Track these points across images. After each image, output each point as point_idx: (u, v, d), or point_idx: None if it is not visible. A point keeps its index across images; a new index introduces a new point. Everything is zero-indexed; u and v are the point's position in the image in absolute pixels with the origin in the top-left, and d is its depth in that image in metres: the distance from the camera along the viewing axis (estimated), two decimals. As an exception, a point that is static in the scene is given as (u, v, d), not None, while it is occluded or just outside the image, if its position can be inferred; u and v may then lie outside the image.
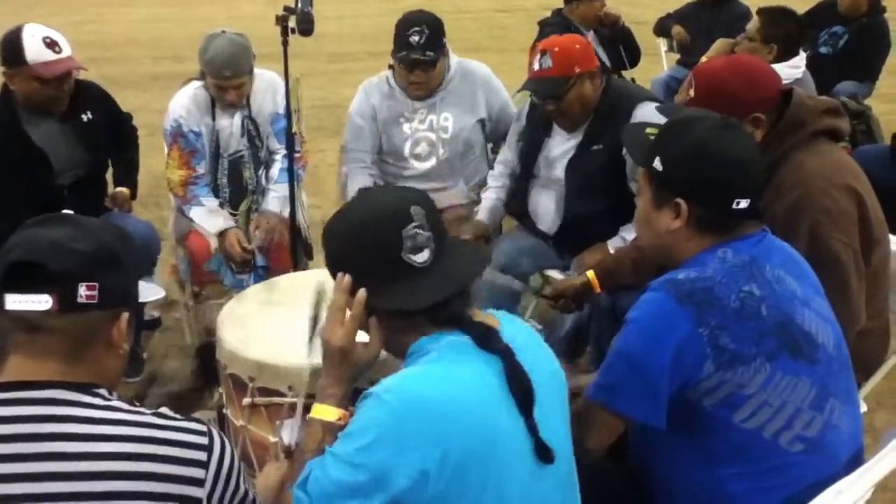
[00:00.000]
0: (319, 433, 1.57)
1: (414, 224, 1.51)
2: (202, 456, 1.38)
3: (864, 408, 2.56)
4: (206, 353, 3.01)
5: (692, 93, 2.41)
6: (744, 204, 1.79)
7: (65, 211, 1.54)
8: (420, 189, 1.68)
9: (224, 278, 3.38)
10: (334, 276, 1.59)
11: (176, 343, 3.79)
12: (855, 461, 1.85)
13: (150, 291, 1.61)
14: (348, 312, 1.60)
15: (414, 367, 1.49)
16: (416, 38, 3.34)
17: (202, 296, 3.45)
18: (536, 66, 3.09)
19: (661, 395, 1.73)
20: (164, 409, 1.43)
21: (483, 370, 1.46)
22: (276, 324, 2.40)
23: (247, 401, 2.22)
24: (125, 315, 1.45)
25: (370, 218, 1.55)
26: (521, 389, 1.47)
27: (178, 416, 1.42)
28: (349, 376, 1.61)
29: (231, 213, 3.50)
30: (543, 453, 1.48)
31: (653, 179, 1.88)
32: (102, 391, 1.41)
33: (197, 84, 3.41)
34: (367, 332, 1.60)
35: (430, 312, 1.52)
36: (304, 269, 3.22)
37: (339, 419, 1.58)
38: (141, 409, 1.40)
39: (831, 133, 2.44)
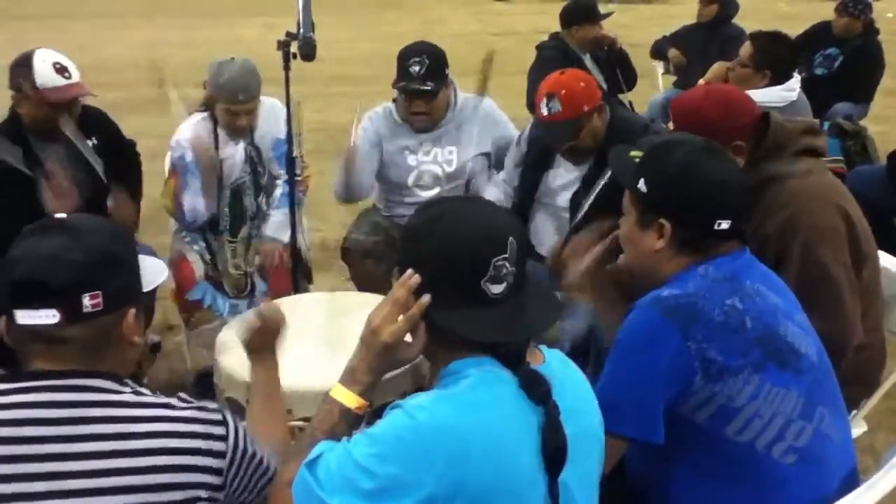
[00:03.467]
0: (336, 415, 1.55)
1: (505, 256, 1.46)
2: (221, 430, 1.50)
3: (864, 428, 2.58)
4: (205, 377, 3.00)
5: (671, 126, 2.44)
6: (725, 225, 1.84)
7: (58, 215, 1.56)
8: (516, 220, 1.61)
9: (215, 306, 3.38)
10: (403, 267, 1.53)
11: (177, 367, 3.79)
12: (850, 474, 1.87)
13: (154, 276, 1.65)
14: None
15: (450, 391, 1.45)
16: (417, 68, 3.38)
17: (191, 322, 3.45)
18: (545, 112, 3.07)
19: (656, 410, 1.75)
20: (182, 394, 1.54)
21: (519, 418, 1.43)
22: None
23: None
24: (131, 311, 1.52)
25: (467, 234, 1.48)
26: (554, 451, 1.42)
27: (193, 400, 1.54)
28: (383, 371, 1.58)
29: (229, 241, 3.51)
30: None
31: (637, 201, 1.93)
32: (129, 381, 1.51)
33: (200, 116, 3.43)
34: (413, 333, 1.54)
35: (491, 347, 1.48)
36: (304, 293, 3.23)
37: (358, 408, 1.55)
38: (161, 396, 1.51)
39: (811, 152, 2.47)
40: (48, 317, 1.42)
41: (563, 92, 3.06)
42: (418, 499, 1.34)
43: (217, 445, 1.48)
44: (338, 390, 1.57)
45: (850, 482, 1.84)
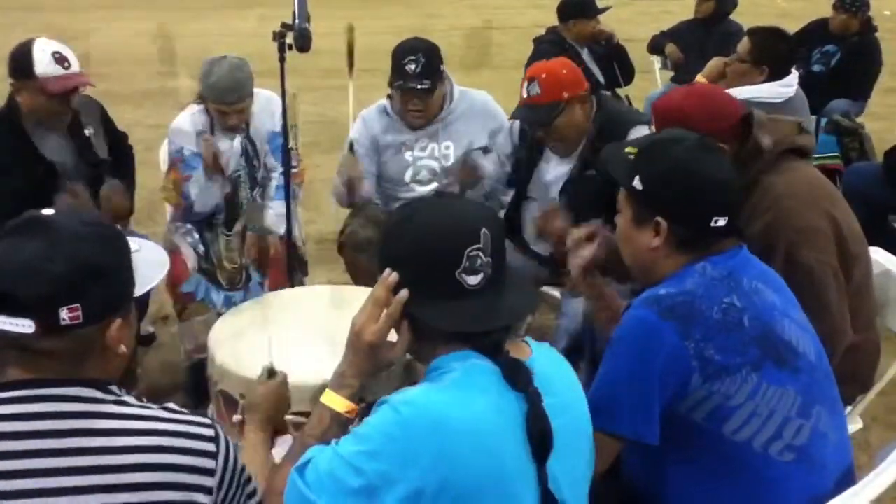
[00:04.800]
0: (327, 421, 1.56)
1: (478, 246, 1.48)
2: (212, 447, 1.42)
3: (859, 425, 2.57)
4: (198, 369, 2.99)
5: (653, 128, 2.42)
6: (722, 222, 1.83)
7: (44, 211, 1.43)
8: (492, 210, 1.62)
9: (208, 298, 3.36)
10: (382, 268, 1.56)
11: (171, 359, 3.77)
12: (846, 474, 1.86)
13: (154, 271, 1.58)
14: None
15: (436, 384, 1.46)
16: (413, 66, 3.36)
17: (184, 314, 3.44)
18: (525, 94, 3.09)
19: (653, 411, 1.74)
20: (170, 405, 1.46)
21: (505, 407, 1.43)
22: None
23: (237, 417, 2.21)
24: (116, 322, 1.42)
25: (439, 228, 1.51)
26: (539, 436, 1.43)
27: (184, 410, 1.45)
28: (370, 371, 1.59)
29: (225, 234, 3.49)
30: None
31: (633, 198, 1.91)
32: (113, 387, 1.42)
33: (196, 108, 3.41)
34: (397, 331, 1.57)
35: (470, 337, 1.49)
36: (299, 286, 3.22)
37: (348, 412, 1.57)
38: (149, 405, 1.43)
39: (798, 151, 2.45)
40: (23, 326, 1.33)
41: (545, 76, 3.07)
42: (404, 493, 1.34)
43: (206, 463, 1.40)
44: (327, 395, 1.58)
45: (846, 480, 1.84)
